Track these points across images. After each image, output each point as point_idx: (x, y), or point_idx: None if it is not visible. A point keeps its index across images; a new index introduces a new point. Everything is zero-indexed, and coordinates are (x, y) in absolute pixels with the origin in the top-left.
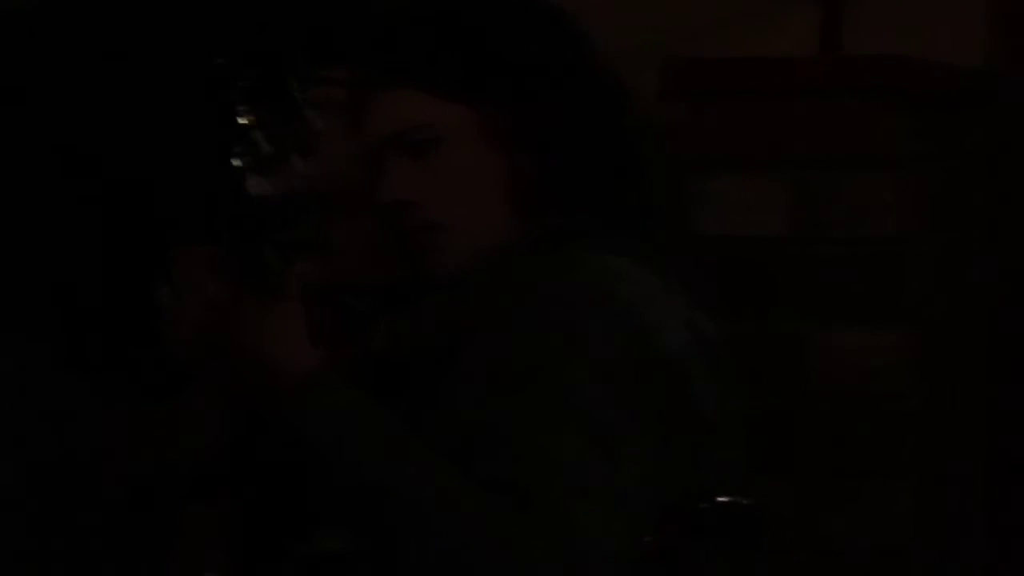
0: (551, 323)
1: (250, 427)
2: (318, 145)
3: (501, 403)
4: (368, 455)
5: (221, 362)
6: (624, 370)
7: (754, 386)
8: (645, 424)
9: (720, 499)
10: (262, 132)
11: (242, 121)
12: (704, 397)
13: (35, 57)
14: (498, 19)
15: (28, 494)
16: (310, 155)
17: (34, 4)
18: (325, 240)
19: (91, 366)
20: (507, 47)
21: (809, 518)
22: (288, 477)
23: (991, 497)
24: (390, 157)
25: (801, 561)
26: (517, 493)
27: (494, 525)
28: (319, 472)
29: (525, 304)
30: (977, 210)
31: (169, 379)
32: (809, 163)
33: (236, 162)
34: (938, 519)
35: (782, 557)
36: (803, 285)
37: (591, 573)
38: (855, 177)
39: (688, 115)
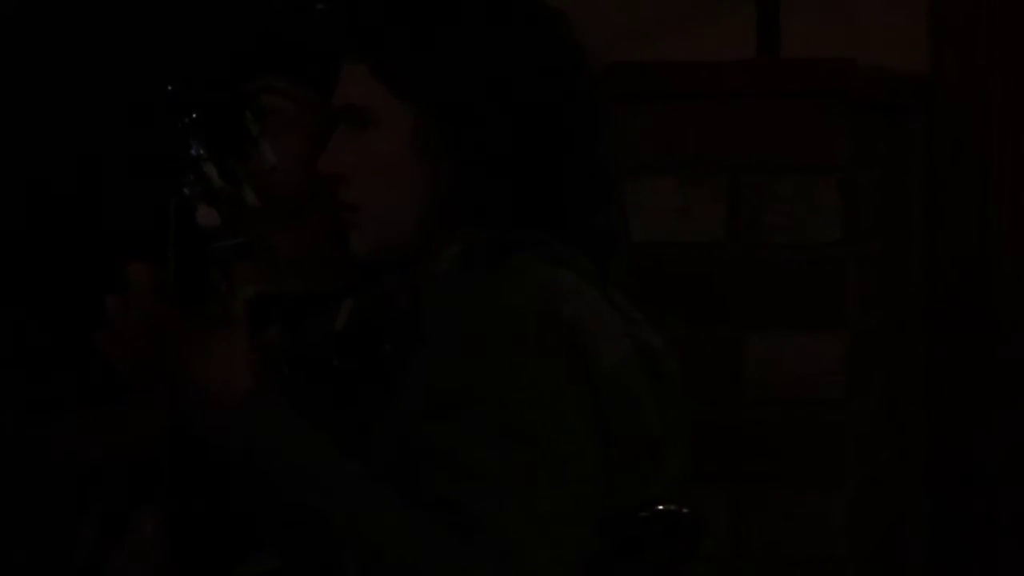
0: (493, 342)
1: (186, 445)
2: (270, 178)
3: (445, 425)
4: (305, 482)
5: (157, 380)
6: (566, 389)
7: (691, 393)
8: (588, 443)
9: (660, 508)
10: (214, 164)
11: (194, 152)
12: (646, 411)
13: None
14: (463, 21)
15: None
16: (262, 188)
17: None
18: (268, 253)
19: (37, 368)
20: (460, 53)
21: (744, 526)
22: (223, 498)
23: (928, 505)
24: (337, 130)
25: (735, 570)
26: (462, 516)
27: (438, 550)
28: (254, 497)
29: (467, 322)
30: (914, 214)
31: (111, 383)
32: (746, 167)
33: (185, 191)
34: (874, 528)
35: (716, 565)
36: (740, 291)
37: None
38: (793, 181)
39: (625, 118)
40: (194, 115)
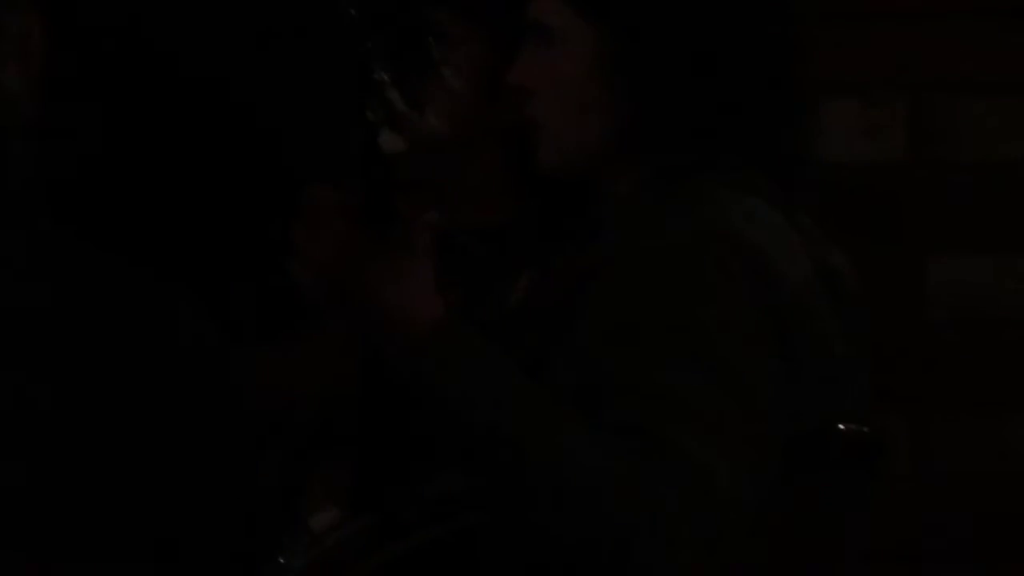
0: (674, 266)
1: (376, 369)
2: (453, 104)
3: (628, 348)
4: (494, 407)
5: (348, 305)
6: (749, 312)
7: (873, 314)
8: (771, 365)
9: (842, 428)
10: (397, 89)
11: (378, 77)
12: (829, 333)
13: (182, 18)
14: None
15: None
16: (444, 114)
17: None
18: (451, 188)
19: (217, 303)
20: None
21: (926, 448)
22: (412, 420)
23: None
24: (524, 47)
25: (917, 491)
26: (645, 439)
27: (622, 473)
28: (444, 421)
29: (647, 247)
30: None
31: (294, 314)
32: (930, 86)
33: (370, 116)
34: None
35: (898, 486)
36: (923, 211)
37: (721, 519)
38: (978, 100)
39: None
40: (376, 39)
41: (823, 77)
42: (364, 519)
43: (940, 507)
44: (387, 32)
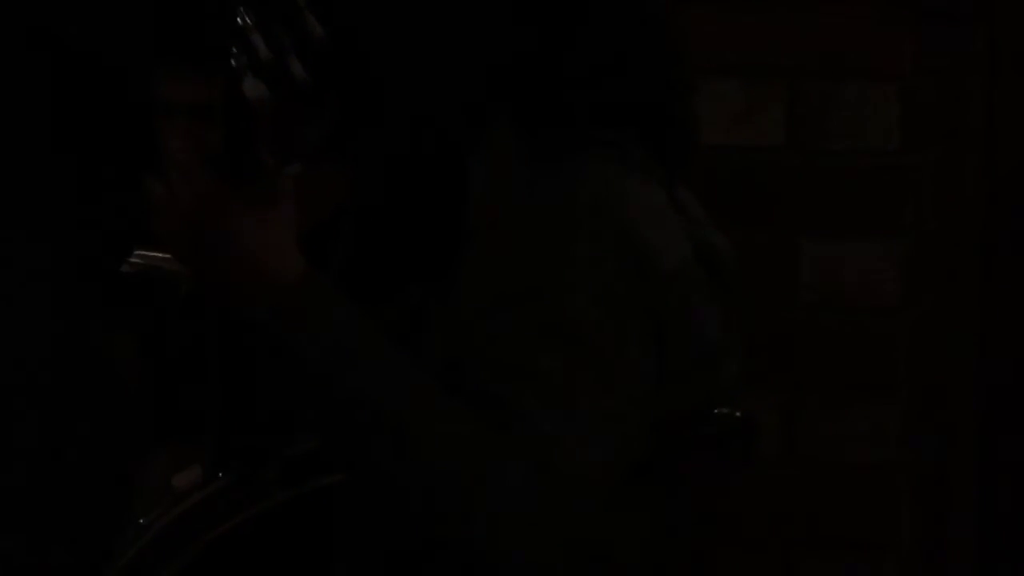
0: (547, 239)
1: (232, 327)
2: (318, 50)
3: (492, 320)
4: (351, 366)
5: (208, 259)
6: (619, 289)
7: (747, 297)
8: (640, 345)
9: (713, 411)
10: (261, 34)
11: (240, 22)
12: (704, 314)
13: None
14: None
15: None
16: (309, 59)
17: None
18: (318, 141)
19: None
20: None
21: (796, 431)
22: (270, 381)
23: (979, 417)
24: None
25: (786, 475)
26: (502, 412)
27: (474, 443)
28: (296, 378)
29: (522, 218)
30: (974, 126)
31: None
32: (808, 72)
33: (232, 63)
34: (926, 438)
35: (767, 470)
36: (798, 196)
37: (569, 493)
38: (853, 87)
39: (688, 21)
40: None
41: (702, 59)
42: (225, 478)
43: (809, 493)
44: None
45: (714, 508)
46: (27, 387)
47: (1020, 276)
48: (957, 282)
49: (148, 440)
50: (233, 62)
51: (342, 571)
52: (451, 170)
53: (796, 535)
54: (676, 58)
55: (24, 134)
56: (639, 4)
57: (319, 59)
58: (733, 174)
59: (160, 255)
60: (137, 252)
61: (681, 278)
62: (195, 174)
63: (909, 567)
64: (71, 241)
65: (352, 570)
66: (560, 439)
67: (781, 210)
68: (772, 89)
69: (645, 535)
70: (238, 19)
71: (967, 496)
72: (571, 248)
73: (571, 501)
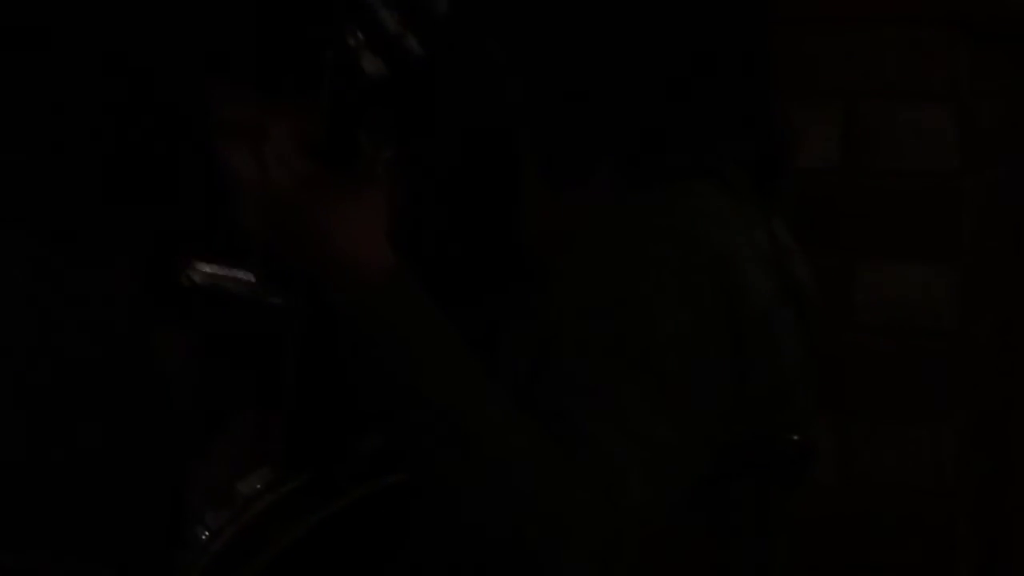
0: (641, 266)
1: (308, 326)
2: (438, 31)
3: (572, 338)
4: (428, 366)
5: (296, 245)
6: (708, 325)
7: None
8: (717, 379)
9: (793, 438)
10: (388, 10)
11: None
12: (785, 352)
13: None
14: None
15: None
16: (429, 40)
17: None
18: (425, 129)
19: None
20: None
21: (851, 454)
22: (345, 376)
23: None
24: None
25: (841, 498)
26: (568, 431)
27: (537, 460)
28: (377, 375)
29: (614, 240)
30: None
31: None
32: (864, 93)
33: (350, 40)
34: (982, 462)
35: (822, 493)
36: (854, 218)
37: (626, 526)
38: (911, 109)
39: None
40: None
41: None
42: (294, 480)
43: (864, 517)
44: None
45: (772, 532)
46: (73, 394)
47: None
48: (1014, 305)
49: (202, 448)
50: (351, 40)
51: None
52: (510, 182)
53: (852, 559)
54: (773, 84)
55: (87, 151)
56: (745, 35)
57: (433, 38)
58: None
59: (224, 271)
60: (199, 266)
61: (766, 316)
62: (293, 158)
63: None
64: (127, 249)
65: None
66: (628, 470)
67: (837, 232)
68: (828, 111)
69: (704, 562)
70: None
71: (1022, 521)
72: (662, 277)
73: (633, 531)
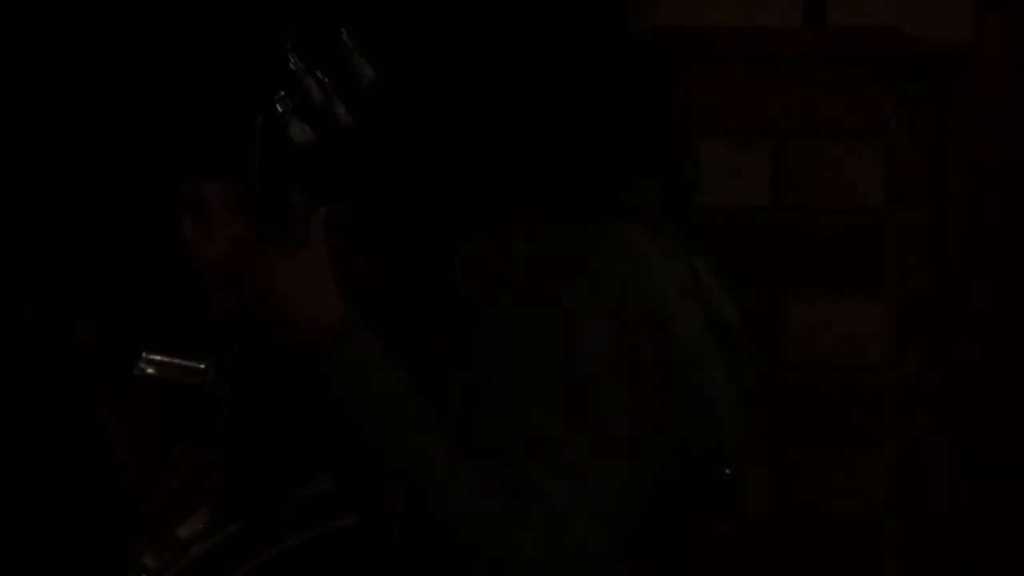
0: (572, 305)
1: (247, 369)
2: (365, 95)
3: (511, 379)
4: (375, 416)
5: (242, 299)
6: (640, 362)
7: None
8: (652, 417)
9: (722, 472)
10: (313, 79)
11: (293, 66)
12: (713, 386)
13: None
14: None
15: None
16: (355, 105)
17: None
18: (355, 187)
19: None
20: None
21: (784, 487)
22: (286, 421)
23: (966, 470)
24: None
25: (774, 530)
26: (512, 477)
27: (483, 509)
28: (323, 423)
29: (549, 280)
30: (956, 183)
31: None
32: (792, 132)
33: (279, 107)
34: (912, 491)
35: (755, 526)
36: (784, 254)
37: (575, 564)
38: (837, 147)
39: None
40: (289, 28)
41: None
42: (233, 524)
43: (796, 546)
44: (304, 20)
45: (703, 565)
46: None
47: (1002, 331)
48: (942, 338)
49: (141, 493)
50: (279, 107)
51: None
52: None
53: None
54: (686, 121)
55: (27, 206)
56: (650, 67)
57: (363, 103)
58: (719, 234)
59: (174, 361)
60: (150, 356)
61: (695, 349)
62: (226, 219)
63: None
64: (75, 316)
65: None
66: (568, 511)
67: (767, 269)
68: (757, 150)
69: None
70: (290, 63)
71: (951, 548)
72: (592, 316)
73: (576, 570)
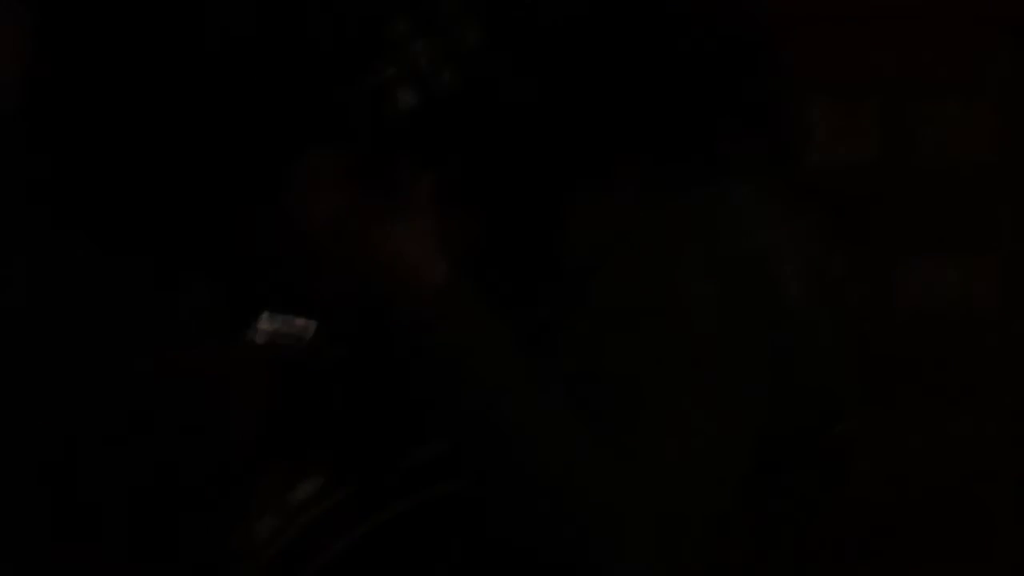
0: (675, 264)
1: (359, 336)
2: (471, 59)
3: (617, 341)
4: (485, 380)
5: (346, 270)
6: (746, 319)
7: (846, 315)
8: (757, 375)
9: (824, 429)
10: (418, 44)
11: (399, 32)
12: (823, 344)
13: None
14: None
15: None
16: (462, 69)
17: None
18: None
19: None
20: None
21: (896, 447)
22: (397, 385)
23: None
24: None
25: (882, 489)
26: (620, 433)
27: (595, 463)
28: (433, 387)
29: (654, 240)
30: None
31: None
32: (901, 89)
33: (386, 74)
34: (1020, 447)
35: (865, 486)
36: (895, 212)
37: (685, 525)
38: (947, 103)
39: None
40: None
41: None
42: (346, 488)
43: (903, 506)
44: None
45: (810, 523)
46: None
47: None
48: None
49: (255, 458)
50: (386, 73)
51: None
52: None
53: (893, 550)
54: (794, 78)
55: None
56: (757, 24)
57: (470, 67)
58: (828, 192)
59: (285, 325)
60: (262, 321)
61: (800, 312)
62: (334, 185)
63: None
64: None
65: None
66: (680, 469)
67: (877, 226)
68: (865, 106)
69: (749, 559)
70: (397, 29)
71: None
72: (699, 276)
73: (688, 527)
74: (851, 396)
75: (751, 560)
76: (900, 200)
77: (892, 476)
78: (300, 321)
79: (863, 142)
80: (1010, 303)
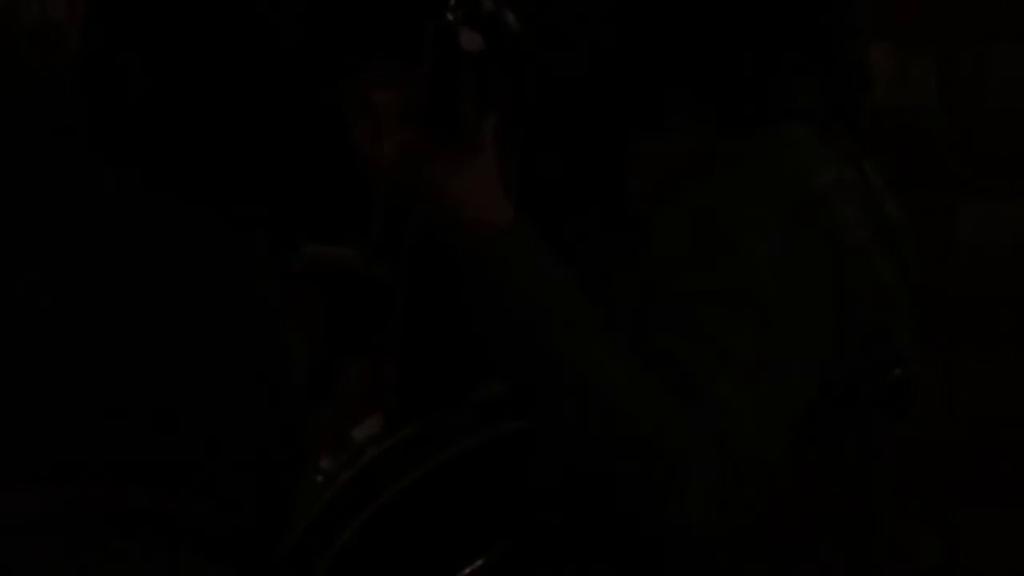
0: (742, 207)
1: (420, 276)
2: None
3: (681, 281)
4: (544, 320)
5: (416, 203)
6: (809, 263)
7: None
8: (822, 318)
9: (880, 373)
10: None
11: None
12: (884, 286)
13: None
14: None
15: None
16: (524, 11)
17: None
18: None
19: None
20: None
21: (955, 388)
22: (459, 325)
23: None
24: None
25: (944, 430)
26: (681, 376)
27: (656, 405)
28: (496, 327)
29: (718, 184)
30: None
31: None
32: (960, 34)
33: (449, 16)
34: None
35: (925, 427)
36: (954, 156)
37: (740, 470)
38: (1005, 48)
39: None
40: None
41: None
42: (408, 427)
43: (969, 448)
44: None
45: (874, 464)
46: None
47: None
48: None
49: (319, 396)
50: (449, 15)
51: (526, 523)
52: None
53: (957, 494)
54: (855, 24)
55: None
56: None
57: (532, 9)
58: (888, 136)
59: (329, 250)
60: (307, 249)
61: (864, 252)
62: (398, 125)
63: None
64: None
65: (532, 522)
66: (740, 412)
67: (936, 170)
68: (925, 51)
69: (809, 496)
70: None
71: None
72: (762, 220)
73: (748, 468)
74: (909, 340)
75: (811, 500)
76: (960, 143)
77: (953, 417)
78: (342, 249)
79: (923, 86)
80: None
